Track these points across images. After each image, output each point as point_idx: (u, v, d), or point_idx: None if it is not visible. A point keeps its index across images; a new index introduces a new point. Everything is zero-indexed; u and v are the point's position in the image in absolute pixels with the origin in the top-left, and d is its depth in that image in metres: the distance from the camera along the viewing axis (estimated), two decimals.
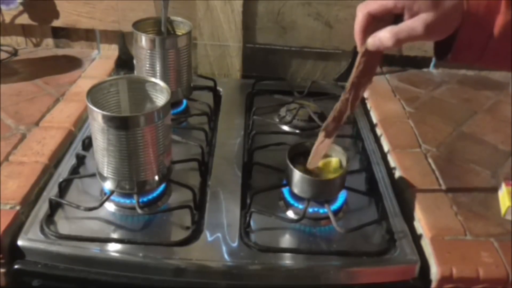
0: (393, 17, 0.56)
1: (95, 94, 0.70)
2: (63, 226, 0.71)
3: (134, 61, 0.97)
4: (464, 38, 0.56)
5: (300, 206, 0.75)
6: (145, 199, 0.75)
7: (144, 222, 0.73)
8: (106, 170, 0.71)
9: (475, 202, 0.78)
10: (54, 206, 0.73)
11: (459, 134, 0.97)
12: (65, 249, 0.67)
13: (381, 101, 1.08)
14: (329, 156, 0.78)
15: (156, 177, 0.73)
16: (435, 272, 0.67)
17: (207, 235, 0.70)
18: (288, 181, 0.75)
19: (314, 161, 0.73)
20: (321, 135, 0.69)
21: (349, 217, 0.77)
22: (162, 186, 0.77)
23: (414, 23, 0.53)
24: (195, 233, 0.70)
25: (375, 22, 0.57)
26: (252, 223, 0.73)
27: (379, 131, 0.99)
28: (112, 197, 0.73)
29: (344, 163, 0.76)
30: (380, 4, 0.55)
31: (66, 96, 1.01)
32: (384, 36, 0.55)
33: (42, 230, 0.69)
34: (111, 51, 1.22)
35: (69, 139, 0.89)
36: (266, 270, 0.68)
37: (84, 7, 1.13)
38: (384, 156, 0.92)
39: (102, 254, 0.67)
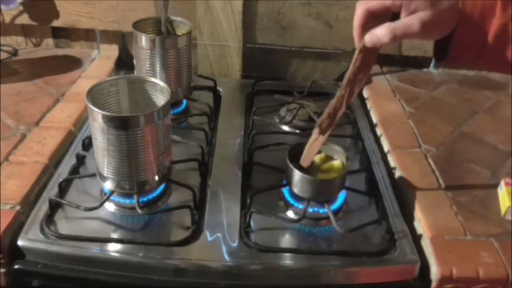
0: (391, 15, 0.57)
1: (95, 94, 0.70)
2: (63, 226, 0.71)
3: (134, 61, 0.97)
4: (461, 39, 0.56)
5: (300, 206, 0.75)
6: (145, 199, 0.75)
7: (144, 222, 0.73)
8: (106, 170, 0.71)
9: (475, 202, 0.78)
10: (54, 206, 0.73)
11: (459, 134, 0.97)
12: (65, 249, 0.67)
13: (381, 101, 1.08)
14: (332, 158, 0.78)
15: (156, 177, 0.73)
16: (435, 272, 0.67)
17: (207, 235, 0.70)
18: (288, 181, 0.75)
19: (307, 158, 0.73)
20: (315, 132, 0.69)
21: (349, 217, 0.77)
22: (162, 186, 0.77)
23: (410, 21, 0.54)
24: (195, 233, 0.70)
25: (373, 19, 0.58)
26: (252, 223, 0.73)
27: (379, 131, 0.99)
28: (112, 197, 0.73)
29: (344, 163, 0.76)
30: (378, 2, 0.56)
31: (66, 96, 1.01)
32: (381, 33, 0.56)
33: (42, 230, 0.69)
34: (111, 51, 1.22)
35: (69, 139, 0.89)
36: (266, 270, 0.68)
37: (84, 7, 1.13)
38: (384, 156, 0.92)
39: (102, 254, 0.67)
